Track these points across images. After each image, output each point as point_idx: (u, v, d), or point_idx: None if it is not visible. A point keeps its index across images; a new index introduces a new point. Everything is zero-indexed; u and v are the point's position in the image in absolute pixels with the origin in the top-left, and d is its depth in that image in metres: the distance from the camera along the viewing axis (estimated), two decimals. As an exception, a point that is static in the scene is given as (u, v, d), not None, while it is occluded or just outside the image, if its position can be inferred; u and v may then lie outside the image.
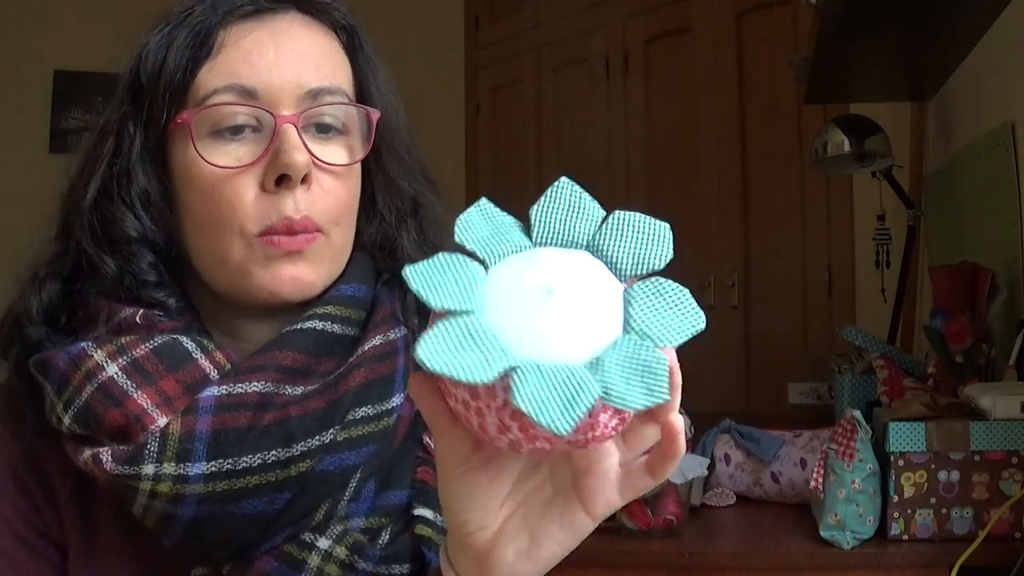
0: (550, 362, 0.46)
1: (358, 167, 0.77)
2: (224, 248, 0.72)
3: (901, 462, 1.40)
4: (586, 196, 0.54)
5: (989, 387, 1.47)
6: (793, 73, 2.31)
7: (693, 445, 1.60)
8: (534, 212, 0.53)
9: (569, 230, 0.52)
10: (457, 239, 0.51)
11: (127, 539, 0.73)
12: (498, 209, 0.53)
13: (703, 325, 0.50)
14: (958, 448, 1.39)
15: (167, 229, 0.74)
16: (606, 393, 0.46)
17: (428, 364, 0.45)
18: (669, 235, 0.52)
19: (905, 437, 1.40)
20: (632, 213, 0.53)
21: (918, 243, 2.33)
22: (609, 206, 0.56)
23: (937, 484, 1.39)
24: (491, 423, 0.48)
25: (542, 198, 0.53)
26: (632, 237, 0.52)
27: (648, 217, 0.53)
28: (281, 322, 0.75)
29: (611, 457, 0.54)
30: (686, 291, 0.51)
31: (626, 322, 0.49)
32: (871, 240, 2.43)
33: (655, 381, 0.47)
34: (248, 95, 0.71)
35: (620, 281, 0.51)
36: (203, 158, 0.71)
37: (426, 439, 0.80)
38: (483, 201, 0.53)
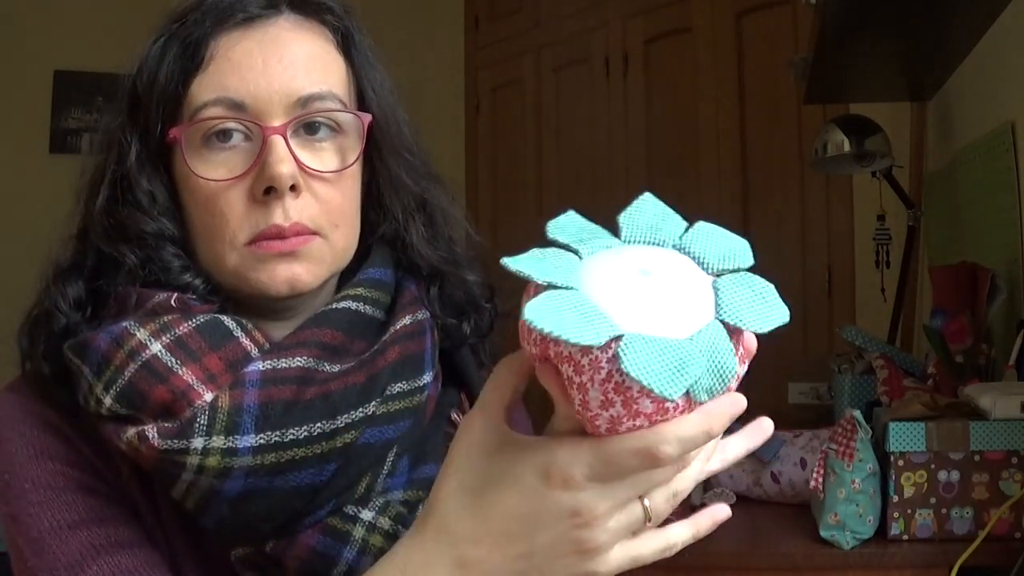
0: (652, 335, 0.48)
1: (355, 168, 0.78)
2: (220, 255, 0.74)
3: (901, 462, 1.40)
4: (669, 209, 0.57)
5: (989, 387, 1.47)
6: (793, 73, 2.31)
7: (693, 445, 1.60)
8: (622, 217, 0.55)
9: (656, 232, 0.54)
10: (549, 236, 0.54)
11: (181, 519, 0.73)
12: (584, 218, 0.56)
13: (788, 317, 0.51)
14: (958, 448, 1.39)
15: (181, 229, 0.76)
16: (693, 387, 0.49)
17: (538, 324, 0.46)
18: (747, 245, 0.56)
19: (905, 437, 1.40)
20: (715, 225, 0.56)
21: (918, 243, 2.33)
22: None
23: (937, 484, 1.39)
24: (593, 398, 0.49)
25: (629, 208, 0.56)
26: (716, 240, 0.55)
27: (729, 233, 0.57)
28: (294, 323, 0.77)
29: None
30: (771, 286, 0.53)
31: (717, 307, 0.51)
32: (871, 240, 2.43)
33: (722, 383, 0.51)
34: (236, 107, 0.73)
35: (707, 274, 0.53)
36: (194, 173, 0.73)
37: (454, 415, 0.82)
38: (571, 212, 0.56)
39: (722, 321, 0.50)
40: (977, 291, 1.72)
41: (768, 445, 1.69)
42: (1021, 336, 1.55)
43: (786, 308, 0.52)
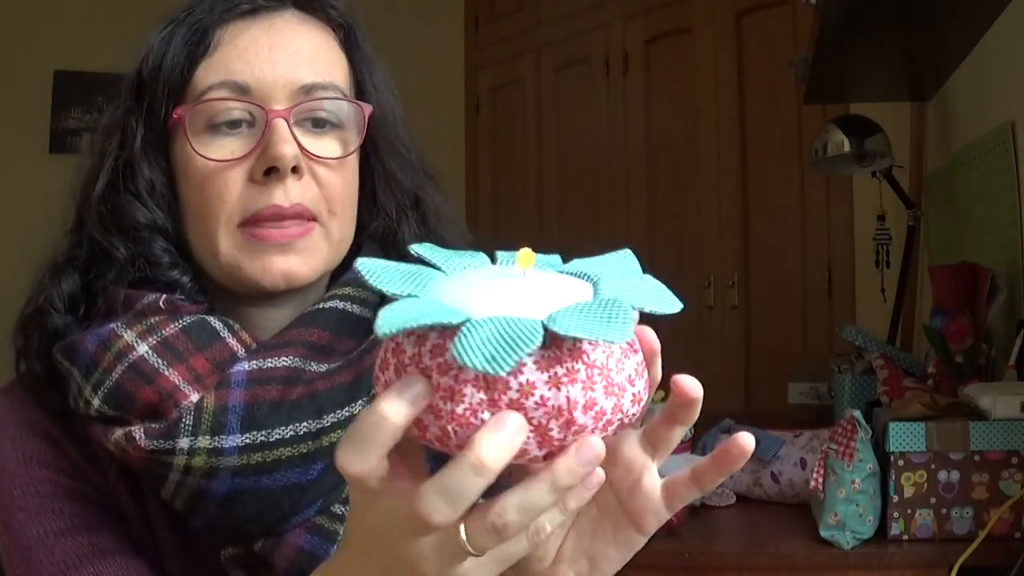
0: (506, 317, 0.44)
1: (354, 159, 0.78)
2: (213, 239, 0.74)
3: (901, 462, 1.40)
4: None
5: (989, 387, 1.47)
6: (793, 73, 2.31)
7: (693, 445, 1.60)
8: (499, 253, 0.53)
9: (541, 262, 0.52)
10: (414, 252, 0.52)
11: (170, 520, 0.74)
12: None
13: (675, 303, 0.49)
14: (958, 448, 1.39)
15: (174, 219, 0.76)
16: (552, 324, 0.44)
17: (385, 328, 0.43)
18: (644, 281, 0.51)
19: (905, 437, 1.40)
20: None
21: (918, 243, 2.33)
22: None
23: (937, 484, 1.39)
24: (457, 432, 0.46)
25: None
26: (604, 261, 0.52)
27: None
28: (287, 308, 0.77)
29: (651, 473, 0.54)
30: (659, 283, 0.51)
31: (596, 292, 0.49)
32: (871, 240, 2.43)
33: (620, 318, 0.44)
34: (242, 91, 0.73)
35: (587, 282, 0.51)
36: (196, 151, 0.73)
37: None
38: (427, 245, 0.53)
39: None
40: (977, 291, 1.72)
41: (768, 445, 1.70)
42: (1021, 336, 1.55)
43: (673, 298, 0.49)
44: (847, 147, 2.18)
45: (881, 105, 2.38)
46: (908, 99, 2.40)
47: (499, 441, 0.44)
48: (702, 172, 3.08)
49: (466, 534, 0.47)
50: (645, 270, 0.52)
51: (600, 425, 0.47)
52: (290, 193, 0.73)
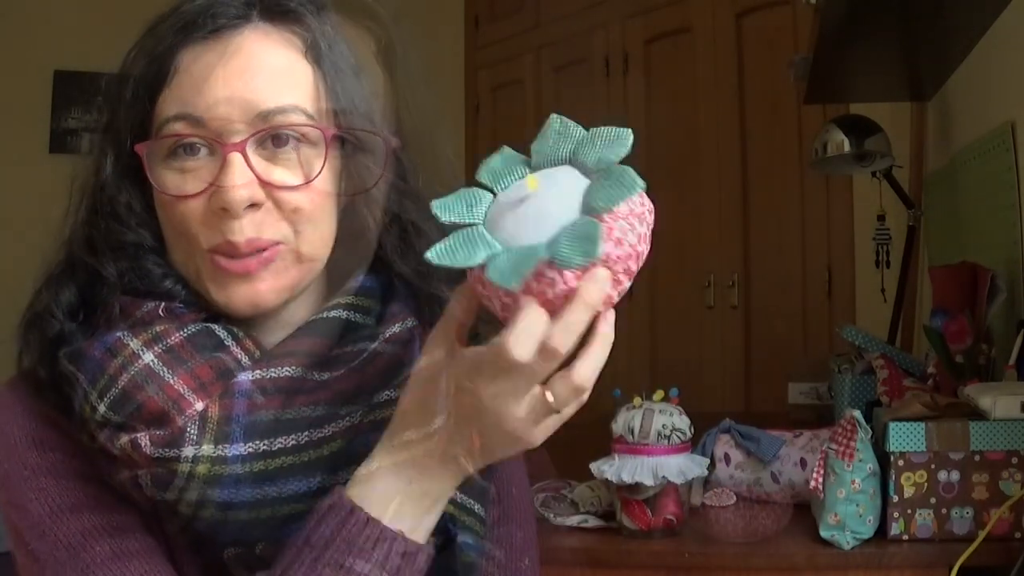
0: (520, 246, 0.61)
1: (325, 175, 0.75)
2: (189, 259, 0.74)
3: (901, 462, 1.40)
4: (570, 123, 0.70)
5: (989, 387, 1.47)
6: (793, 73, 2.31)
7: (693, 445, 1.60)
8: (533, 146, 0.69)
9: (556, 152, 0.69)
10: (476, 177, 0.67)
11: (175, 516, 0.74)
12: (516, 152, 0.70)
13: (639, 187, 0.63)
14: (958, 448, 1.39)
15: (159, 239, 0.76)
16: (552, 257, 0.59)
17: (433, 259, 0.61)
18: (629, 136, 0.68)
19: (905, 437, 1.40)
20: (602, 128, 0.68)
21: (918, 243, 2.33)
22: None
23: (937, 484, 1.39)
24: (495, 296, 0.62)
25: (539, 134, 0.70)
26: (599, 144, 0.67)
27: (616, 128, 0.68)
28: (277, 316, 0.77)
29: None
30: (628, 169, 0.65)
31: (583, 204, 0.63)
32: (871, 240, 2.43)
33: (590, 245, 0.59)
34: (197, 123, 0.71)
35: (589, 178, 0.65)
36: (158, 189, 0.73)
37: None
38: (505, 148, 0.69)
39: (587, 212, 0.62)
40: (977, 291, 1.72)
41: (768, 445, 1.69)
42: (1021, 336, 1.55)
43: (637, 181, 0.63)
44: (847, 147, 2.18)
45: (881, 105, 2.38)
46: (908, 99, 2.40)
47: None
48: (702, 172, 3.08)
49: (552, 396, 0.62)
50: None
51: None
52: (245, 230, 0.71)
